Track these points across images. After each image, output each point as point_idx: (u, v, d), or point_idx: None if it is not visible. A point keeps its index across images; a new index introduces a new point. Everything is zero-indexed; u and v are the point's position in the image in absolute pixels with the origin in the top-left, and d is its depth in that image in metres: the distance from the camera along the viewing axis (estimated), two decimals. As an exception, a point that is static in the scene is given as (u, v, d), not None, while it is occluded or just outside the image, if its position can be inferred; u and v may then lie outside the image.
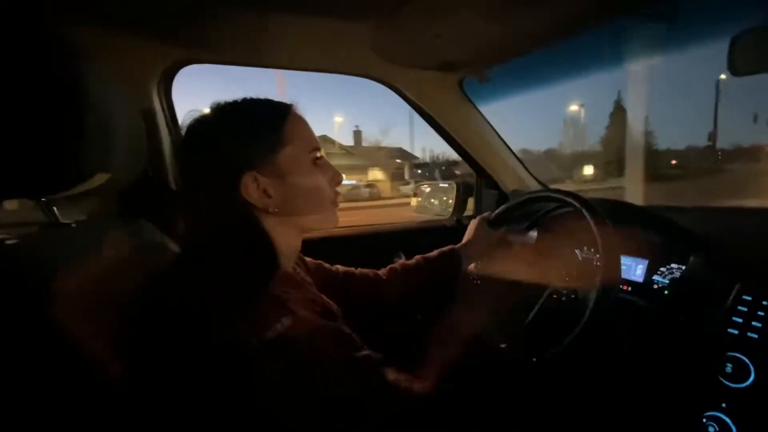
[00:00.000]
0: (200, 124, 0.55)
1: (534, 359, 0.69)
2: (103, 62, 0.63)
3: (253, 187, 0.52)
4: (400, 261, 0.92)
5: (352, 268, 0.86)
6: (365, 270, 0.86)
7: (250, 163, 0.52)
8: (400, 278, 0.87)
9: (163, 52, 0.88)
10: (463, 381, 0.86)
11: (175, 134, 0.57)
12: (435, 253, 0.92)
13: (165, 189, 0.85)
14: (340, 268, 0.84)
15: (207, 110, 0.56)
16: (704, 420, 0.62)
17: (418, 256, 0.92)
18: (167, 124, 0.91)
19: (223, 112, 0.55)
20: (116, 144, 0.58)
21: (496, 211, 0.99)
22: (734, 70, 0.66)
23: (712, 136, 20.08)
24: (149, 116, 0.88)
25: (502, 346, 0.74)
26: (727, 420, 0.60)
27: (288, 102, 0.59)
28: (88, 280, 0.51)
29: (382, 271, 0.88)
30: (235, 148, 0.53)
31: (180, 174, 0.56)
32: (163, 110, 0.93)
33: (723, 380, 0.62)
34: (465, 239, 0.97)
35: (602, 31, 0.93)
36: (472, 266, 0.97)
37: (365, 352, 0.52)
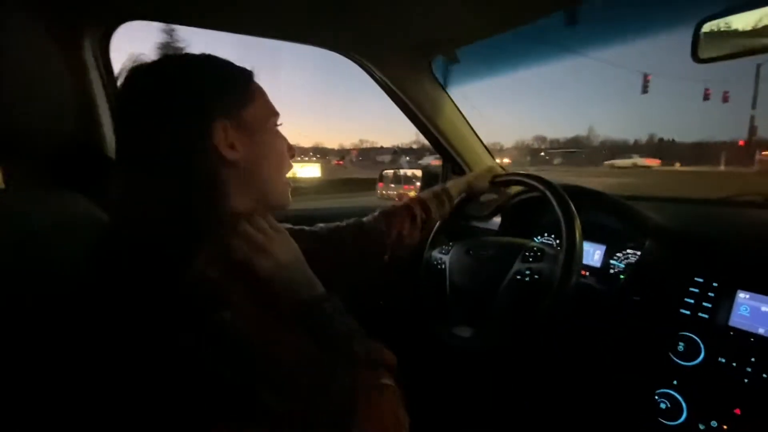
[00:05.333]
0: (166, 65, 0.50)
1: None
2: (23, 13, 0.54)
3: (222, 136, 0.49)
4: (392, 203, 0.90)
5: (336, 223, 0.83)
6: (350, 221, 0.84)
7: (222, 110, 0.50)
8: (388, 221, 0.85)
9: (97, 4, 0.77)
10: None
11: (128, 75, 0.50)
12: (426, 192, 0.93)
13: (99, 157, 0.76)
14: (322, 226, 0.81)
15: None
16: (656, 397, 0.64)
17: (406, 199, 0.91)
18: (104, 86, 0.81)
19: (188, 58, 0.51)
20: (36, 105, 0.50)
21: (502, 174, 1.00)
22: (696, 57, 0.67)
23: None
24: (82, 77, 0.78)
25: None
26: (678, 396, 0.62)
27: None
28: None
29: (367, 218, 0.85)
30: (209, 91, 0.50)
31: (133, 117, 0.49)
32: (99, 71, 0.82)
33: (675, 358, 0.65)
34: (464, 178, 1.00)
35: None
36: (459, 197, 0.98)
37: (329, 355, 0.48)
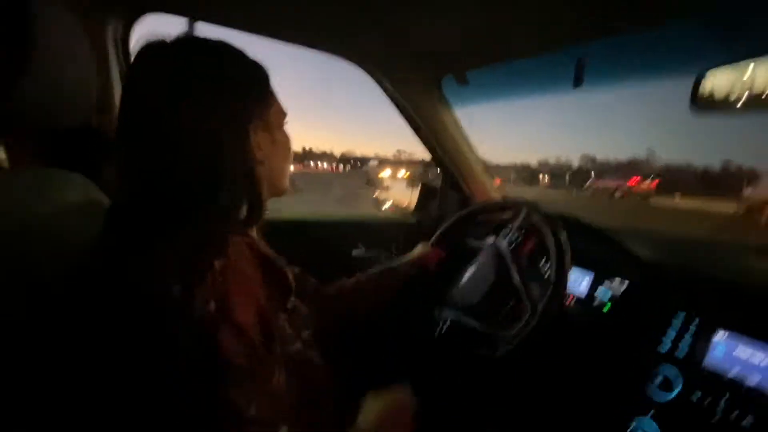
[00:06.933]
0: (207, 49, 0.48)
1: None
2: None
3: (254, 138, 0.50)
4: (344, 279, 0.86)
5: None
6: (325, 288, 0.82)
7: (257, 114, 0.50)
8: (344, 296, 0.83)
9: None
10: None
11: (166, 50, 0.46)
12: (376, 269, 0.89)
13: (109, 143, 0.76)
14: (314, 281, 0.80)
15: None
16: (630, 426, 0.67)
17: (359, 274, 0.88)
18: (121, 75, 0.82)
19: (225, 48, 0.49)
20: (62, 88, 0.52)
21: (436, 233, 1.00)
22: (696, 107, 0.70)
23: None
24: (102, 64, 0.79)
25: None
26: (654, 425, 0.64)
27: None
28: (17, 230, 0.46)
29: (330, 290, 0.82)
30: (247, 91, 0.49)
31: (171, 97, 0.45)
32: (119, 60, 0.83)
33: (651, 391, 0.68)
34: (406, 258, 0.94)
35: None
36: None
37: (297, 346, 0.51)
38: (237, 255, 0.46)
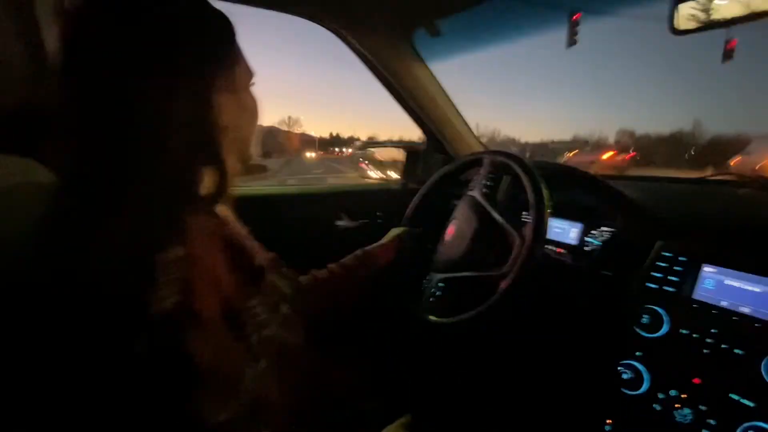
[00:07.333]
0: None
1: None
2: None
3: (217, 101, 0.44)
4: (315, 271, 0.80)
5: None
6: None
7: (220, 72, 0.45)
8: (318, 290, 0.77)
9: None
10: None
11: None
12: (350, 257, 0.83)
13: (46, 118, 0.71)
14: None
15: None
16: (619, 367, 0.66)
17: (331, 265, 0.81)
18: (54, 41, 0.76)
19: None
20: None
21: (408, 211, 0.96)
22: (674, 29, 0.66)
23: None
24: (33, 33, 0.73)
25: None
26: (640, 367, 0.63)
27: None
28: None
29: (305, 282, 0.77)
30: (210, 46, 0.44)
31: (116, 56, 0.39)
32: (53, 30, 0.77)
33: (639, 330, 0.66)
34: (381, 242, 0.89)
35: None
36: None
37: (272, 330, 0.47)
38: (198, 240, 0.41)
